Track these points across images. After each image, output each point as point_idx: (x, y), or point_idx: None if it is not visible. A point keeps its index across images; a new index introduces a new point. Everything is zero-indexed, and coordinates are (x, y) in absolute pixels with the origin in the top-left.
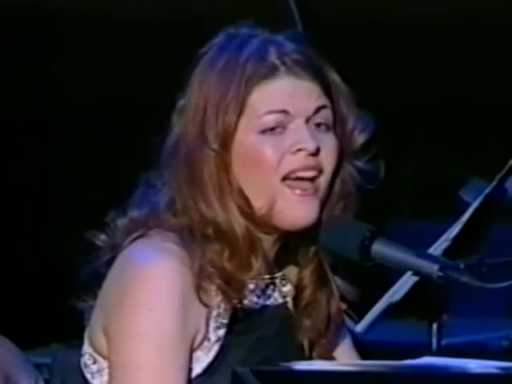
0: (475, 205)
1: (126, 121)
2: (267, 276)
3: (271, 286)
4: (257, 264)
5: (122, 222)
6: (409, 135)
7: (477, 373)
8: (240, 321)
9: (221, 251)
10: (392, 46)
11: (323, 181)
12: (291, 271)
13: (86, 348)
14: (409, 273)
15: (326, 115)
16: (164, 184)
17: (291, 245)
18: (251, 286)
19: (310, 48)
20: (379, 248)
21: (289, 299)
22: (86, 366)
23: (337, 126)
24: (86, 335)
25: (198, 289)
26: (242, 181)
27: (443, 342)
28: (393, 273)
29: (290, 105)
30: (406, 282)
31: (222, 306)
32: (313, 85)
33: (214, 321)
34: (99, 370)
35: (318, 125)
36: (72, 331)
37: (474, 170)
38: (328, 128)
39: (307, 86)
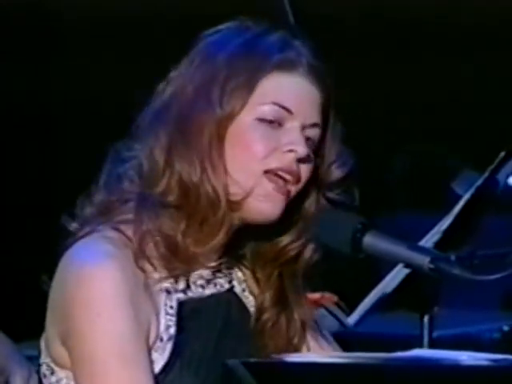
0: (467, 197)
1: (126, 121)
2: (213, 264)
3: (217, 274)
4: (214, 241)
5: (88, 210)
6: (404, 130)
7: (468, 365)
8: (188, 315)
9: (177, 222)
10: (391, 46)
11: (294, 190)
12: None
13: (44, 358)
14: (400, 265)
15: (315, 134)
16: (133, 153)
17: (242, 239)
18: (196, 277)
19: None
20: (371, 240)
21: (235, 283)
22: (45, 376)
23: (320, 150)
24: (42, 343)
25: (138, 257)
26: (228, 160)
27: (434, 334)
28: (384, 265)
29: (295, 105)
30: (398, 274)
31: (168, 302)
32: (319, 96)
33: (164, 318)
34: (58, 381)
35: (308, 138)
36: None
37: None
38: (312, 147)
39: (314, 94)
